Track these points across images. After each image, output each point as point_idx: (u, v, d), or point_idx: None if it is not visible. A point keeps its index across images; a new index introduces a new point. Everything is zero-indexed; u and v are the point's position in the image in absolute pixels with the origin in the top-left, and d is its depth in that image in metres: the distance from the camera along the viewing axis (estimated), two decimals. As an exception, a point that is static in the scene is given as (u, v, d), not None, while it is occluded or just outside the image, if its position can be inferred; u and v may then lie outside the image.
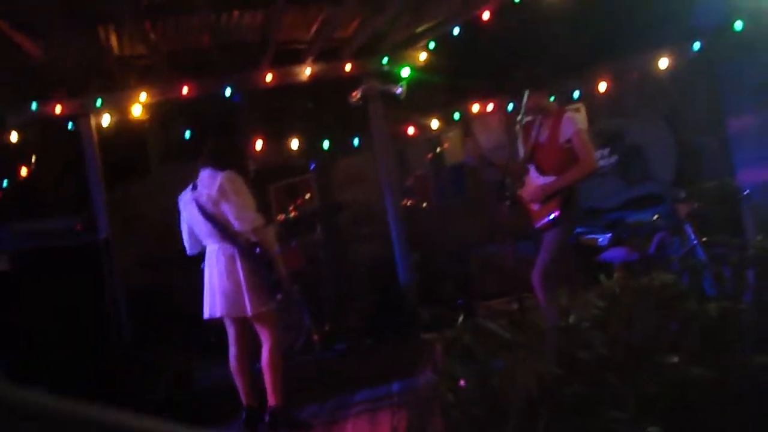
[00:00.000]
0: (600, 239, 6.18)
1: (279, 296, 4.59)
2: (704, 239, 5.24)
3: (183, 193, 4.81)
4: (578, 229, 6.15)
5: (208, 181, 4.63)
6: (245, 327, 4.78)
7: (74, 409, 0.47)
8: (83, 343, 5.65)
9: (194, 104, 7.52)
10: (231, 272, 4.57)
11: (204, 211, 4.60)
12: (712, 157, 6.92)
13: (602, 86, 7.64)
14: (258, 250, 4.53)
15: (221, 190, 4.54)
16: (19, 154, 7.98)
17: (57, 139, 7.57)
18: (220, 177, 4.57)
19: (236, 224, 4.51)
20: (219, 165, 4.65)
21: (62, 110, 6.68)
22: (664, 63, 7.11)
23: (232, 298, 4.57)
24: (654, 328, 2.13)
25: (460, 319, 2.67)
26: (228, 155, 4.74)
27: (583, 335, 2.12)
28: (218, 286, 4.62)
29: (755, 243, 2.59)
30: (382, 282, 7.73)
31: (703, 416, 1.95)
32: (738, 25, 6.47)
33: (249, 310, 4.54)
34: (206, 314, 4.73)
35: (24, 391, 0.49)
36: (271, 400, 4.68)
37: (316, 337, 6.81)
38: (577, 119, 4.84)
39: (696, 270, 3.04)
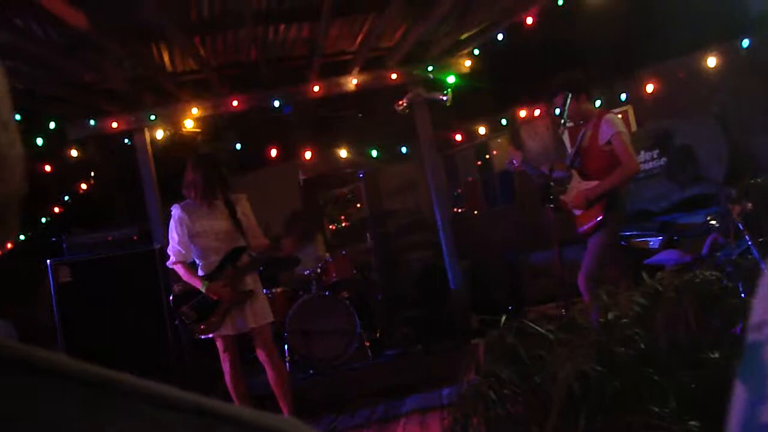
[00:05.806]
0: (651, 242, 6.08)
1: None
2: (759, 239, 5.13)
3: None
4: (629, 232, 6.08)
5: None
6: (232, 344, 4.76)
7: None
8: (141, 350, 5.82)
9: (244, 116, 7.68)
10: None
11: None
12: (764, 155, 6.75)
13: (650, 87, 7.54)
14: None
15: None
16: (78, 169, 8.27)
17: (113, 153, 7.82)
18: None
19: None
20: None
21: (118, 126, 6.90)
22: (712, 61, 7.00)
23: None
24: (696, 324, 2.12)
25: (503, 320, 2.70)
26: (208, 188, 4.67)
27: (624, 331, 2.13)
28: None
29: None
30: (432, 289, 7.76)
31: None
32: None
33: None
34: None
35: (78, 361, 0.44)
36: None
37: (367, 344, 6.87)
38: (616, 121, 4.79)
39: (747, 270, 3.00)
